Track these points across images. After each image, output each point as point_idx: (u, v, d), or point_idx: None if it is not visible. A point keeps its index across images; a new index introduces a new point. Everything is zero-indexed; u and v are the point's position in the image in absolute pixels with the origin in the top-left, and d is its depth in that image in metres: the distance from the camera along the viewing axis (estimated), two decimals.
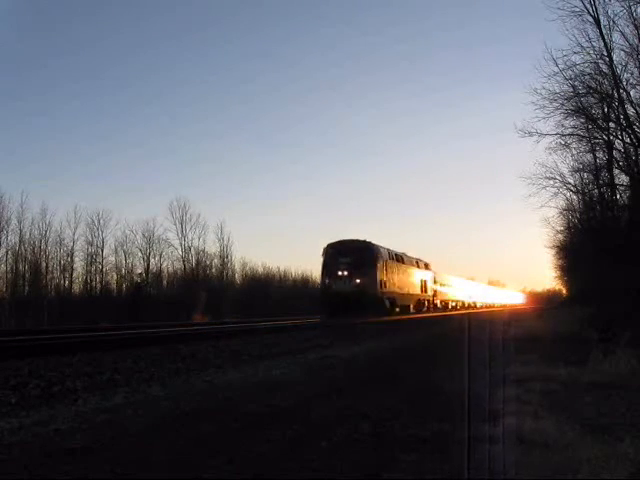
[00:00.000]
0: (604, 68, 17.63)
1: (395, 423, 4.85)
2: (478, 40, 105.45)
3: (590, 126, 19.99)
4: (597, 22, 16.92)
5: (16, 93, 71.31)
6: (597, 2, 16.79)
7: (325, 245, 29.44)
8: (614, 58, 17.05)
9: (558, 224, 34.73)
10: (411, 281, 35.48)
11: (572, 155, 23.51)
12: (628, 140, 18.29)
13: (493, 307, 64.19)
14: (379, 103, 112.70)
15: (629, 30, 16.55)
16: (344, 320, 21.58)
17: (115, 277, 48.77)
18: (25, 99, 72.07)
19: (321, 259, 29.07)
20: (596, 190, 24.84)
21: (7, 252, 41.91)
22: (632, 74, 17.07)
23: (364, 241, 29.09)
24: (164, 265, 50.32)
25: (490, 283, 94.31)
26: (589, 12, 16.95)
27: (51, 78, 76.51)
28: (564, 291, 58.37)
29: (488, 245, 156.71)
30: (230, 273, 55.93)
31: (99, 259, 46.94)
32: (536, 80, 19.45)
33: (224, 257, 53.60)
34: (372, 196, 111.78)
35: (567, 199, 29.74)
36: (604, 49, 17.10)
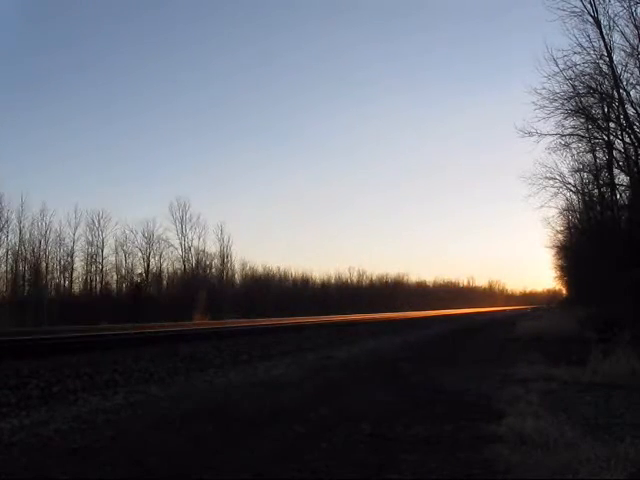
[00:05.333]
0: (604, 68, 17.60)
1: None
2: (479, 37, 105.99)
3: (590, 126, 19.96)
4: (597, 22, 16.90)
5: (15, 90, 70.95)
6: (597, 2, 16.76)
7: None
8: (614, 58, 17.02)
9: (558, 224, 34.76)
10: None
11: (572, 155, 23.47)
12: (628, 140, 18.27)
13: None
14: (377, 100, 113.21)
15: (629, 30, 16.51)
16: None
17: (115, 277, 48.78)
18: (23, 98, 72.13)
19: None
20: (596, 190, 24.83)
21: (7, 252, 41.87)
22: (632, 74, 17.03)
23: None
24: (164, 265, 50.27)
25: (490, 283, 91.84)
26: (589, 12, 16.92)
27: (48, 74, 76.53)
28: (564, 291, 58.35)
29: (488, 245, 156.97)
30: (230, 273, 56.02)
31: (99, 259, 46.94)
32: (536, 80, 19.46)
33: (224, 257, 53.66)
34: (371, 196, 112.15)
35: (567, 199, 29.74)
36: (604, 49, 17.07)
